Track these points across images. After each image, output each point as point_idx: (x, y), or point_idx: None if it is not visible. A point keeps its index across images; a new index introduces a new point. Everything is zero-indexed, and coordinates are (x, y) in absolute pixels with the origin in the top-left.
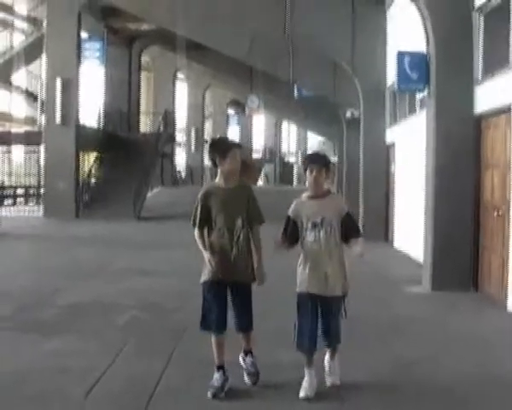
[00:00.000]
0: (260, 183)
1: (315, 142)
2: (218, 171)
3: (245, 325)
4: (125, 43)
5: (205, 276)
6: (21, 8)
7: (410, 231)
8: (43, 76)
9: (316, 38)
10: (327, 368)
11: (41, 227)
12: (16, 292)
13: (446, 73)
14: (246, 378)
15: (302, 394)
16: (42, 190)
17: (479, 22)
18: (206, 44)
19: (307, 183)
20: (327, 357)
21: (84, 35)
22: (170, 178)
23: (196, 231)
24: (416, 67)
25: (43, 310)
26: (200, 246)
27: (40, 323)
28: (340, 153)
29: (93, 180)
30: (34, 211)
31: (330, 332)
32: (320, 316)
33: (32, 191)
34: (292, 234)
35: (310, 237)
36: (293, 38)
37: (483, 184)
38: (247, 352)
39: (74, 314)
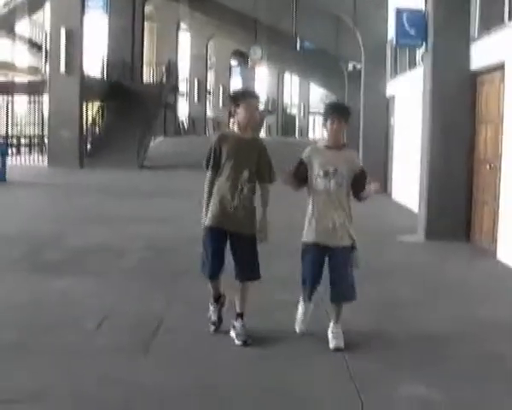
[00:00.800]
0: (263, 134)
1: (318, 94)
2: (235, 119)
3: (244, 275)
4: None
5: (205, 221)
6: None
7: (408, 182)
8: (48, 26)
9: None
10: (330, 333)
11: (46, 176)
12: (25, 237)
13: (443, 29)
14: (236, 340)
15: (297, 328)
16: (45, 140)
17: None
18: None
19: (325, 133)
20: (331, 325)
21: None
22: (172, 129)
23: (209, 174)
24: (415, 24)
25: (52, 253)
26: (206, 190)
27: (49, 264)
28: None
29: (97, 129)
30: (38, 160)
31: (339, 284)
32: (329, 268)
33: (35, 141)
34: (301, 175)
35: (320, 184)
36: None
37: (477, 138)
38: (239, 315)
39: (81, 257)
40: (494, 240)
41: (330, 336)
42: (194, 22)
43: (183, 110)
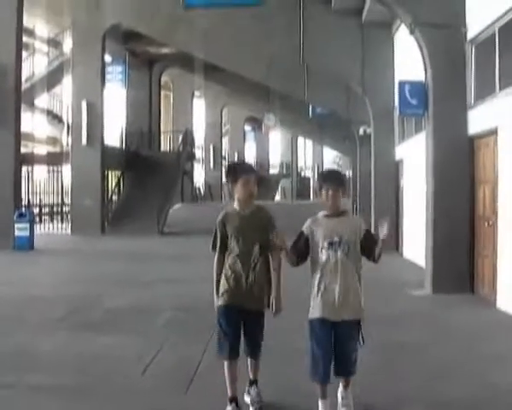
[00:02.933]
0: (278, 198)
1: (331, 156)
2: (234, 196)
3: (255, 351)
4: (145, 66)
5: (219, 301)
6: (42, 30)
7: (417, 241)
8: (67, 98)
9: (328, 61)
10: (340, 399)
11: (70, 243)
12: (63, 299)
13: (442, 98)
14: (251, 407)
15: None
16: (65, 208)
17: (471, 53)
18: (225, 68)
19: (323, 202)
20: (340, 388)
21: (106, 59)
22: (189, 195)
23: (216, 255)
24: (416, 94)
25: (91, 313)
26: (215, 270)
27: (90, 323)
28: (354, 167)
29: (117, 198)
30: (61, 228)
31: (344, 360)
32: (333, 342)
33: (56, 209)
34: (301, 249)
35: (324, 256)
36: (308, 61)
37: (476, 198)
38: (253, 382)
39: (118, 316)
40: (494, 290)
41: (340, 399)
42: (209, 91)
43: (199, 176)
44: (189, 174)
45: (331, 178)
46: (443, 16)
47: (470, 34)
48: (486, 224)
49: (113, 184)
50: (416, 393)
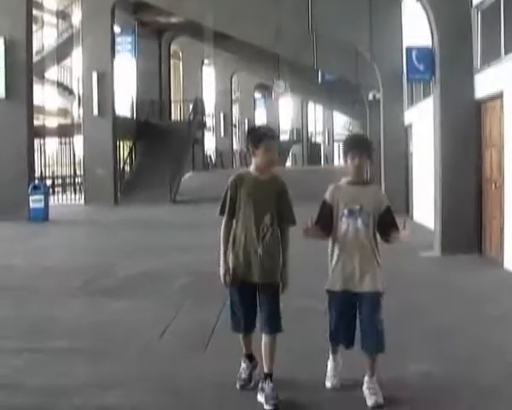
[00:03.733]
0: (288, 164)
1: (341, 122)
2: (253, 160)
3: (272, 327)
4: (154, 36)
5: (228, 276)
6: (51, 3)
7: (426, 204)
8: (77, 70)
9: (336, 28)
10: (367, 388)
11: (84, 214)
12: (80, 268)
13: (449, 63)
14: (265, 405)
15: (329, 384)
16: (78, 180)
17: (477, 18)
18: (233, 35)
19: (348, 169)
20: (366, 378)
21: (116, 29)
22: (201, 163)
23: (224, 220)
24: (423, 60)
25: (107, 280)
26: (223, 237)
27: (107, 290)
28: (364, 132)
29: (129, 167)
30: (74, 199)
31: (369, 333)
32: (359, 316)
33: (68, 181)
34: (326, 219)
35: (344, 224)
36: (316, 28)
37: (483, 160)
38: (267, 376)
39: (134, 282)
40: (502, 251)
41: (367, 392)
42: (218, 59)
43: (210, 144)
44: (200, 142)
45: (356, 145)
46: None
47: (476, 0)
48: (493, 186)
49: (125, 155)
50: (421, 350)
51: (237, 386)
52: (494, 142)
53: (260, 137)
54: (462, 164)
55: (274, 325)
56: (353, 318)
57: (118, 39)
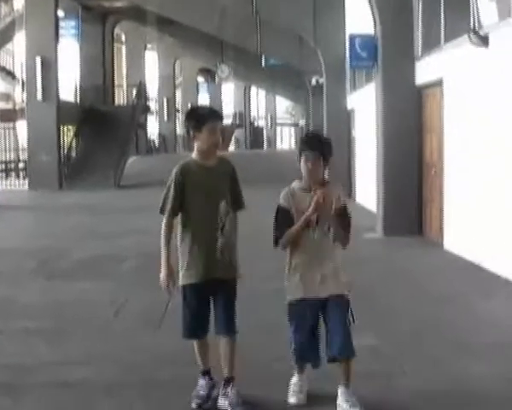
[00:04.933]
0: (232, 148)
1: (284, 106)
2: (194, 145)
3: (231, 328)
4: (98, 20)
5: (185, 278)
6: None
7: (369, 187)
8: (19, 55)
9: (281, 13)
10: (344, 401)
11: (29, 199)
12: (34, 251)
13: (391, 51)
14: None
15: (293, 399)
16: (21, 165)
17: (418, 6)
18: (178, 20)
19: (302, 171)
20: (341, 389)
21: (60, 13)
22: (144, 147)
23: (165, 219)
24: (366, 47)
25: (61, 263)
26: (164, 241)
27: (61, 272)
28: (307, 117)
29: (73, 153)
30: (17, 184)
31: (341, 336)
32: (325, 321)
33: (11, 166)
34: (286, 227)
35: (303, 236)
36: (260, 13)
37: (424, 145)
38: (229, 380)
39: (87, 265)
40: (441, 233)
41: (345, 406)
42: (161, 44)
43: (153, 129)
44: (144, 127)
45: (310, 146)
46: None
47: None
48: (433, 170)
49: (70, 140)
50: (367, 327)
51: (193, 405)
52: (434, 127)
53: (204, 118)
54: (403, 149)
55: (234, 326)
56: (317, 329)
57: (61, 23)
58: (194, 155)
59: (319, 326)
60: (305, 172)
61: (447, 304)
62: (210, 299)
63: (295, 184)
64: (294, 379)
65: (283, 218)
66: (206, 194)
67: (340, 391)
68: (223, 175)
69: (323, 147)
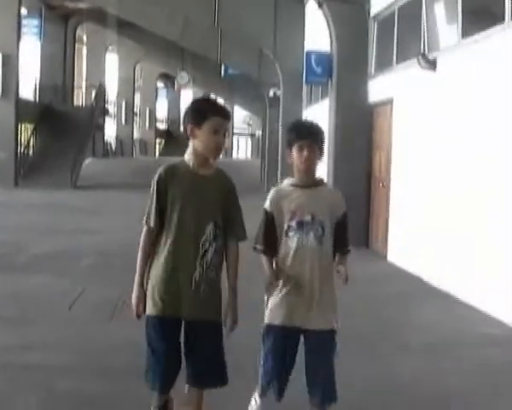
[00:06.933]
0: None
1: (241, 116)
2: (190, 145)
3: (205, 379)
4: (61, 20)
5: (149, 308)
6: None
7: None
8: None
9: (242, 24)
10: None
11: None
12: None
13: (345, 68)
14: None
15: None
16: None
17: (373, 27)
18: (139, 24)
19: (295, 165)
20: None
21: (23, 11)
22: (101, 150)
23: (145, 229)
24: (321, 64)
25: (18, 257)
26: (141, 256)
27: (18, 267)
28: (264, 128)
29: (30, 151)
30: None
31: (321, 380)
32: (307, 358)
33: None
34: (274, 236)
35: (292, 241)
36: (222, 23)
37: (374, 161)
38: None
39: (44, 260)
40: (386, 245)
41: None
42: (122, 47)
43: (110, 132)
44: (101, 129)
45: (304, 133)
46: None
47: (373, 10)
48: (381, 185)
49: (27, 138)
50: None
51: None
52: (383, 144)
53: (207, 111)
54: (353, 164)
55: (209, 378)
56: (293, 359)
57: (24, 21)
58: (186, 156)
59: (295, 356)
60: (298, 163)
61: (390, 304)
62: (179, 340)
63: (286, 183)
64: (256, 406)
65: (265, 222)
66: (194, 209)
67: None
68: (218, 191)
69: (320, 136)
